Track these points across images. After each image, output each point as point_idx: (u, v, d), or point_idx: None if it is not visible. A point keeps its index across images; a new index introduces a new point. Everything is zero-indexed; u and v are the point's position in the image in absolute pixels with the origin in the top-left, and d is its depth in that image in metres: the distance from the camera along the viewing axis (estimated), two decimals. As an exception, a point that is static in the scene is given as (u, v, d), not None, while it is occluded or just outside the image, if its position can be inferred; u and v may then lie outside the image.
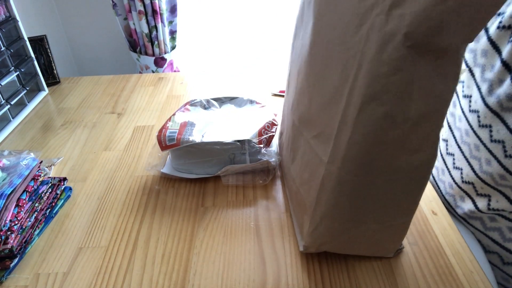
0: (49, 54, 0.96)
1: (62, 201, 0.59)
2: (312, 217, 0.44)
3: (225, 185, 0.62)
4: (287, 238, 0.52)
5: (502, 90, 0.48)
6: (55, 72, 0.98)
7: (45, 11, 1.32)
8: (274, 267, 0.48)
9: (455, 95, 0.61)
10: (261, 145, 0.61)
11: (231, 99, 0.74)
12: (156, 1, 1.18)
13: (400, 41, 0.30)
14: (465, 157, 0.57)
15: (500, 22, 0.49)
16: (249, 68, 1.54)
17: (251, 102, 0.72)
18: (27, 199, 0.53)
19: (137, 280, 0.47)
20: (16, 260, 0.49)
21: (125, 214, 0.57)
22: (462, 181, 0.59)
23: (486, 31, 0.52)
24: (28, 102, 0.87)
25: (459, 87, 0.60)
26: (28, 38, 0.86)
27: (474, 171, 0.55)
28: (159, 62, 1.31)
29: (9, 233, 0.48)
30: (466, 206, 0.59)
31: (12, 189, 0.51)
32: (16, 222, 0.49)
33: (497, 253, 0.58)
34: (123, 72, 1.50)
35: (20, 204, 0.51)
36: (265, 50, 1.51)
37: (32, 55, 0.87)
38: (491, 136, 0.51)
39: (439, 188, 0.67)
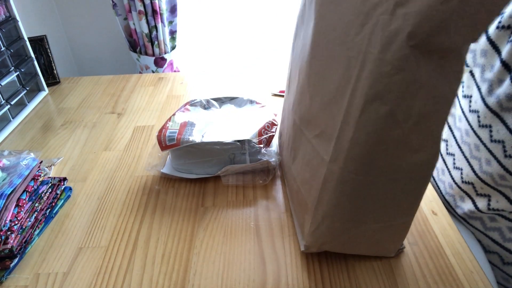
0: (49, 54, 0.96)
1: (62, 201, 0.59)
2: (313, 217, 0.44)
3: (225, 185, 0.62)
4: (287, 238, 0.52)
5: (501, 90, 0.48)
6: (55, 72, 0.98)
7: (45, 11, 1.32)
8: (274, 267, 0.48)
9: (455, 95, 0.61)
10: (261, 145, 0.61)
11: (231, 99, 0.74)
12: (156, 1, 1.18)
13: (404, 40, 0.30)
14: (465, 157, 0.57)
15: (500, 22, 0.49)
16: (249, 68, 1.54)
17: (251, 102, 0.72)
18: (27, 199, 0.53)
19: (137, 280, 0.47)
20: (16, 260, 0.49)
21: (125, 214, 0.57)
22: (462, 181, 0.59)
23: (486, 31, 0.52)
24: (28, 102, 0.87)
25: (459, 88, 0.60)
26: (28, 38, 0.86)
27: (474, 171, 0.55)
28: (159, 62, 1.31)
29: (9, 233, 0.48)
30: (466, 206, 0.59)
31: (12, 189, 0.51)
32: (16, 222, 0.50)
33: (497, 253, 0.58)
34: (123, 72, 1.50)
35: (20, 204, 0.51)
36: (265, 50, 1.51)
37: (32, 55, 0.87)
38: (491, 136, 0.51)
39: (439, 188, 0.67)
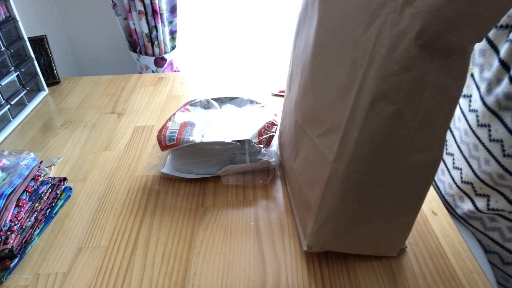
0: (49, 54, 0.96)
1: (62, 201, 0.59)
2: (316, 216, 0.44)
3: (225, 185, 0.62)
4: (287, 238, 0.52)
5: (500, 89, 0.48)
6: (55, 72, 0.98)
7: (45, 11, 1.32)
8: (274, 267, 0.48)
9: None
10: (261, 145, 0.61)
11: (231, 99, 0.74)
12: (156, 1, 1.18)
13: (412, 39, 0.30)
14: (464, 157, 0.57)
15: None
16: (249, 68, 1.54)
17: (251, 102, 0.72)
18: (27, 199, 0.53)
19: (137, 280, 0.47)
20: (16, 260, 0.49)
21: (125, 214, 0.57)
22: (462, 181, 0.59)
23: None
24: (28, 102, 0.87)
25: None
26: (28, 38, 0.86)
27: (473, 171, 0.55)
28: (159, 62, 1.31)
29: (9, 233, 0.48)
30: (466, 206, 0.59)
31: (12, 189, 0.51)
32: (16, 222, 0.50)
33: (497, 253, 0.58)
34: (123, 72, 1.50)
35: (20, 204, 0.51)
36: (265, 50, 1.51)
37: (32, 55, 0.87)
38: (489, 135, 0.51)
39: (438, 188, 0.67)
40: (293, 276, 0.47)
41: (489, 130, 0.51)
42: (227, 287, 0.46)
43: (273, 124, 0.64)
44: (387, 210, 0.42)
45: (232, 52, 1.52)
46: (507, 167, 0.49)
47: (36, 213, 0.53)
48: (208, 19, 1.44)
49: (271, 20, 1.44)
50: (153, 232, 0.54)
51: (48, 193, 0.56)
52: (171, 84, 0.97)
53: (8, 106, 0.78)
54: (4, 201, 0.49)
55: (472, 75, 0.55)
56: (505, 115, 0.48)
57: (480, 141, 0.53)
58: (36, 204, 0.54)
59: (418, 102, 0.33)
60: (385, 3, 0.32)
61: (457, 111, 0.59)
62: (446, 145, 0.64)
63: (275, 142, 0.69)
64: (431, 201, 0.58)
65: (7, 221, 0.49)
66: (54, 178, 0.59)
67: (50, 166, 0.67)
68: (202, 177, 0.62)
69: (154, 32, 1.24)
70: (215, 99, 0.73)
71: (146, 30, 1.23)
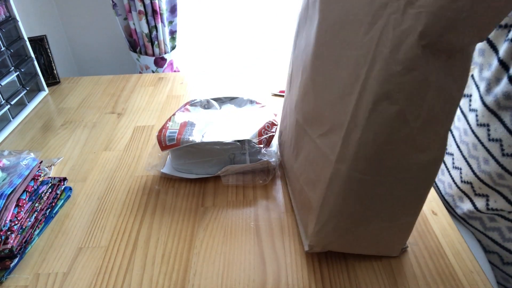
0: (49, 54, 0.96)
1: (62, 201, 0.59)
2: (318, 217, 0.44)
3: (225, 185, 0.62)
4: (287, 238, 0.52)
5: (499, 89, 0.48)
6: (55, 72, 0.98)
7: (45, 11, 1.32)
8: (274, 267, 0.48)
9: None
10: (261, 145, 0.61)
11: (231, 99, 0.74)
12: (156, 1, 1.18)
13: (415, 40, 0.30)
14: (463, 156, 0.57)
15: None
16: (249, 68, 1.54)
17: (251, 102, 0.72)
18: (27, 199, 0.53)
19: (137, 280, 0.47)
20: (16, 260, 0.49)
21: (125, 214, 0.57)
22: (461, 181, 0.59)
23: None
24: (28, 102, 0.87)
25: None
26: (28, 38, 0.86)
27: (472, 171, 0.55)
28: (159, 62, 1.31)
29: (9, 233, 0.48)
30: (465, 206, 0.59)
31: (12, 189, 0.51)
32: (16, 222, 0.50)
33: (497, 253, 0.58)
34: (123, 72, 1.50)
35: (20, 204, 0.51)
36: (265, 50, 1.51)
37: (32, 55, 0.87)
38: (488, 135, 0.51)
39: (438, 188, 0.67)
40: (293, 276, 0.47)
41: (488, 130, 0.51)
42: (227, 287, 0.46)
43: (273, 124, 0.64)
44: (388, 210, 0.42)
45: (232, 52, 1.52)
46: (506, 167, 0.49)
47: (36, 213, 0.53)
48: (208, 19, 1.44)
49: (271, 20, 1.44)
50: (153, 232, 0.54)
51: (48, 193, 0.56)
52: (171, 84, 0.97)
53: (8, 106, 0.78)
54: (4, 201, 0.49)
55: (472, 75, 0.55)
56: (504, 115, 0.48)
57: (479, 140, 0.53)
58: (36, 204, 0.54)
59: (421, 102, 0.33)
60: (388, 4, 0.32)
61: (457, 111, 0.59)
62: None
63: (275, 142, 0.69)
64: (431, 201, 0.58)
65: (7, 221, 0.49)
66: (54, 178, 0.59)
67: (50, 166, 0.67)
68: (202, 177, 0.62)
69: (154, 32, 1.24)
70: (215, 99, 0.73)
71: (146, 30, 1.23)
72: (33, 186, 0.55)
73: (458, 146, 0.59)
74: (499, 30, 0.49)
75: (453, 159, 0.61)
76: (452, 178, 0.61)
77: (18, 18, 0.82)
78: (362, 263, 0.48)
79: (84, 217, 0.57)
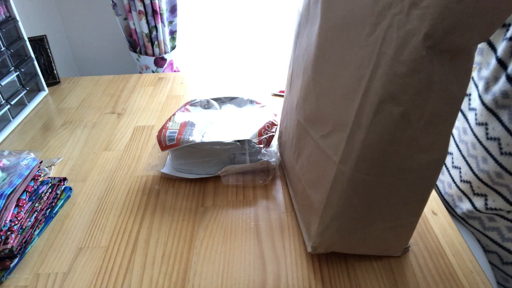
0: (49, 54, 0.96)
1: (62, 201, 0.59)
2: (321, 218, 0.44)
3: (225, 185, 0.62)
4: (287, 238, 0.52)
5: (497, 88, 0.48)
6: (55, 72, 0.98)
7: (45, 11, 1.32)
8: (274, 267, 0.48)
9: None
10: (261, 145, 0.61)
11: (231, 99, 0.74)
12: (156, 1, 1.18)
13: (420, 41, 0.30)
14: (463, 156, 0.57)
15: None
16: (249, 68, 1.54)
17: (251, 102, 0.72)
18: (27, 199, 0.53)
19: (137, 280, 0.47)
20: (16, 260, 0.49)
21: (125, 214, 0.57)
22: (461, 180, 0.59)
23: None
24: (28, 102, 0.87)
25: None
26: (28, 38, 0.86)
27: (471, 170, 0.55)
28: (159, 62, 1.31)
29: (9, 233, 0.48)
30: (465, 206, 0.60)
31: (12, 189, 0.51)
32: (16, 222, 0.50)
33: (496, 252, 0.58)
34: (123, 72, 1.50)
35: (20, 204, 0.52)
36: (265, 50, 1.51)
37: (32, 55, 0.87)
38: (487, 134, 0.51)
39: (438, 188, 0.67)
40: (293, 276, 0.47)
41: (486, 129, 0.51)
42: (227, 287, 0.46)
43: (273, 124, 0.64)
44: (391, 210, 0.42)
45: (232, 52, 1.52)
46: (505, 165, 0.49)
47: (36, 213, 0.53)
48: (208, 19, 1.44)
49: (271, 20, 1.44)
50: (153, 232, 0.54)
51: (48, 193, 0.56)
52: (171, 84, 0.97)
53: (8, 106, 0.78)
54: (4, 201, 0.49)
55: (471, 75, 0.55)
56: (502, 113, 0.48)
57: (478, 139, 0.53)
58: (36, 204, 0.54)
59: (425, 103, 0.33)
60: (392, 4, 0.32)
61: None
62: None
63: (275, 142, 0.69)
64: (431, 201, 0.59)
65: (7, 221, 0.49)
66: (54, 178, 0.59)
67: (50, 166, 0.67)
68: (202, 177, 0.62)
69: (154, 32, 1.24)
70: (215, 99, 0.73)
71: (146, 30, 1.23)
72: (33, 186, 0.55)
73: (457, 146, 0.59)
74: (497, 29, 0.49)
75: (452, 158, 0.61)
76: (452, 178, 0.61)
77: (18, 18, 0.82)
78: (362, 263, 0.48)
79: (84, 217, 0.57)
